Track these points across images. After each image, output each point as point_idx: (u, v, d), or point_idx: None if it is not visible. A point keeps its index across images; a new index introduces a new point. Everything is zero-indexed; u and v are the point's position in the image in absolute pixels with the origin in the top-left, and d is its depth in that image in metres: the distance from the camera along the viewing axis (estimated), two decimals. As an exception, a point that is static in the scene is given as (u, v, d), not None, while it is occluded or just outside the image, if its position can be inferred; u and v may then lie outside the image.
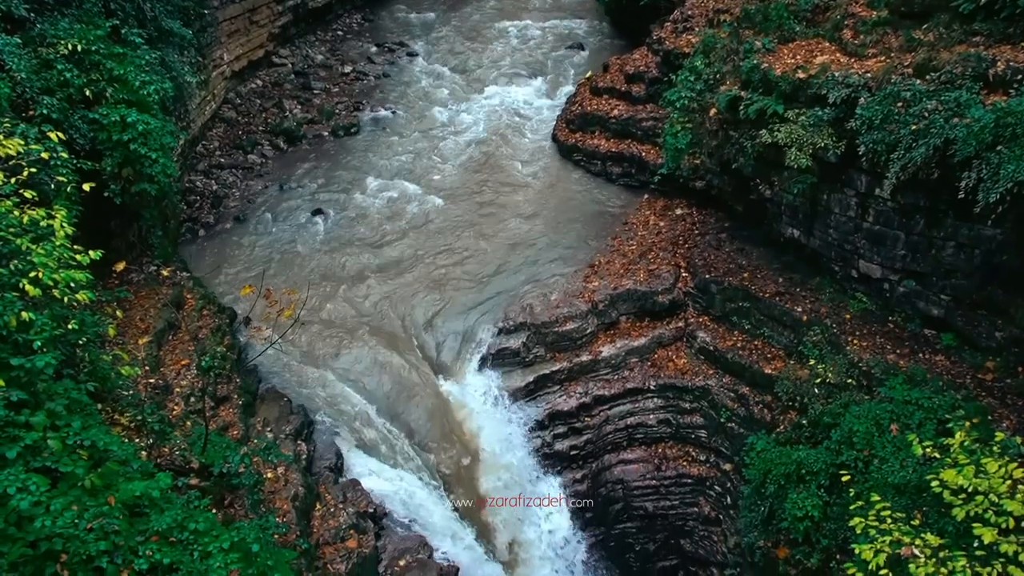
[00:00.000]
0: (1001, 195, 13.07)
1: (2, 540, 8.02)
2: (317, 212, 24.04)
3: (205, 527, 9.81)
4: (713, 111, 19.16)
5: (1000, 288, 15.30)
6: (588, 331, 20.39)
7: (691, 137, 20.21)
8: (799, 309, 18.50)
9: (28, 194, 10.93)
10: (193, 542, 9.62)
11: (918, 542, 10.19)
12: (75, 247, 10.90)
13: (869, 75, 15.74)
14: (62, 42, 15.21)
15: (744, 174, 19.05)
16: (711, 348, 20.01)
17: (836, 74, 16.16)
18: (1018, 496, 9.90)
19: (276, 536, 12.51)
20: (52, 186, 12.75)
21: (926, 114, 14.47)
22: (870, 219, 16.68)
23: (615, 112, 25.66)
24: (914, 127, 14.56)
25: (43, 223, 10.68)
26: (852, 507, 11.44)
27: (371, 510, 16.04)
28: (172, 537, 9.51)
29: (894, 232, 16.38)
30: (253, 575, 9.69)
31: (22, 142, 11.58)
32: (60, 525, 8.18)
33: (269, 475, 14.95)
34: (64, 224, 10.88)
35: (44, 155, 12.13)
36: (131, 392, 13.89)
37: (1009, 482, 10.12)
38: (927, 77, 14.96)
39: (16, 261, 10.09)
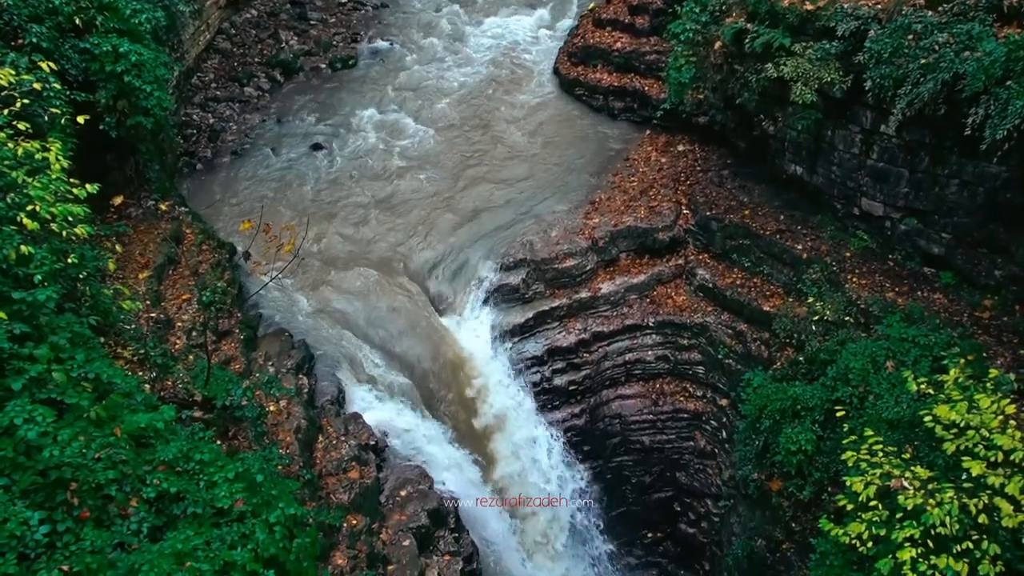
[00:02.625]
0: (1008, 132, 12.90)
1: (12, 468, 8.19)
2: (316, 146, 23.76)
3: (210, 458, 10.01)
4: (718, 44, 18.75)
5: (1002, 226, 15.26)
6: (588, 268, 20.40)
7: (695, 71, 19.83)
8: (799, 247, 18.48)
9: (22, 126, 10.78)
10: (199, 472, 9.83)
11: (908, 475, 10.42)
12: (72, 181, 10.82)
13: (879, 7, 15.35)
14: (48, -33, 14.74)
15: (748, 110, 18.76)
16: (710, 285, 20.06)
17: (845, 6, 15.77)
18: (1008, 431, 10.08)
19: (279, 467, 12.76)
20: (46, 118, 12.56)
21: (936, 47, 14.17)
22: (874, 156, 16.51)
23: (618, 45, 25.10)
24: (923, 61, 14.27)
25: (38, 156, 10.57)
26: (845, 441, 11.65)
27: (372, 442, 16.33)
28: (178, 467, 9.72)
29: (898, 169, 16.24)
30: (258, 504, 9.92)
31: (13, 72, 11.37)
32: (68, 455, 8.35)
33: (271, 408, 15.16)
34: (60, 157, 10.77)
35: (36, 85, 11.92)
36: (133, 326, 13.97)
37: (1001, 417, 10.29)
38: (939, 8, 14.58)
39: (12, 194, 10.03)
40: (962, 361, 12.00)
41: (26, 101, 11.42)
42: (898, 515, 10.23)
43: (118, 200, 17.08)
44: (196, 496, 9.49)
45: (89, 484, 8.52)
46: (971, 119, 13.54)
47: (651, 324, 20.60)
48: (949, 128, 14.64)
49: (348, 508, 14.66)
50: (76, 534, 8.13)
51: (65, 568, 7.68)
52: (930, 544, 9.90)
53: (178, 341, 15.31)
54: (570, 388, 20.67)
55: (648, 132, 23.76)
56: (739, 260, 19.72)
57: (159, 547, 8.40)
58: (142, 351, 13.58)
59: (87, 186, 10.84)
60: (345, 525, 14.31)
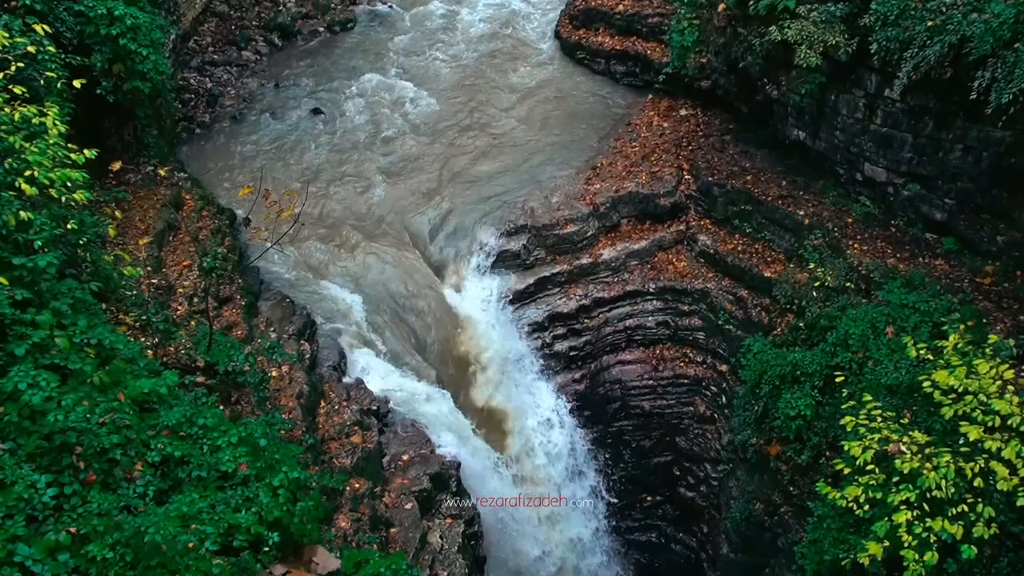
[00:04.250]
0: (1014, 95, 12.78)
1: (18, 433, 8.27)
2: (315, 111, 23.56)
3: (213, 422, 10.10)
4: (722, 7, 18.47)
5: (1005, 192, 15.19)
6: (589, 234, 20.36)
7: (698, 34, 19.58)
8: (801, 212, 18.41)
9: (18, 90, 10.66)
10: (202, 437, 9.92)
11: (905, 439, 10.52)
12: (69, 146, 10.73)
13: (887, -33, 15.07)
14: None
15: (751, 74, 18.55)
16: (711, 251, 20.03)
17: (852, -34, 15.50)
18: (1006, 396, 10.15)
19: (282, 432, 12.87)
20: (41, 82, 12.42)
21: (943, 9, 13.97)
22: (878, 121, 16.36)
23: (620, 7, 24.73)
24: (930, 23, 14.07)
25: (35, 120, 10.46)
26: (844, 407, 11.74)
27: (374, 408, 16.45)
28: (182, 432, 9.81)
29: (901, 134, 16.10)
30: (262, 468, 10.02)
31: (6, 34, 11.21)
32: (73, 419, 8.42)
33: (274, 374, 15.24)
34: (57, 122, 10.66)
35: (31, 48, 11.75)
36: (134, 292, 13.97)
37: (999, 383, 10.35)
38: (947, -30, 14.34)
39: (10, 160, 9.96)
40: (962, 327, 12.04)
41: (21, 65, 11.28)
42: (895, 479, 10.35)
43: (116, 166, 16.97)
44: (200, 460, 9.60)
45: (94, 448, 8.60)
46: (977, 83, 13.39)
47: (652, 290, 20.61)
48: (954, 92, 14.49)
49: (351, 472, 14.81)
50: (83, 497, 8.23)
51: (72, 530, 7.78)
52: (926, 507, 10.04)
53: (180, 307, 15.33)
54: (571, 354, 20.76)
55: (650, 96, 23.52)
56: (741, 226, 19.66)
57: (165, 510, 8.50)
58: (144, 317, 13.59)
59: (85, 151, 10.74)
60: (348, 489, 14.47)
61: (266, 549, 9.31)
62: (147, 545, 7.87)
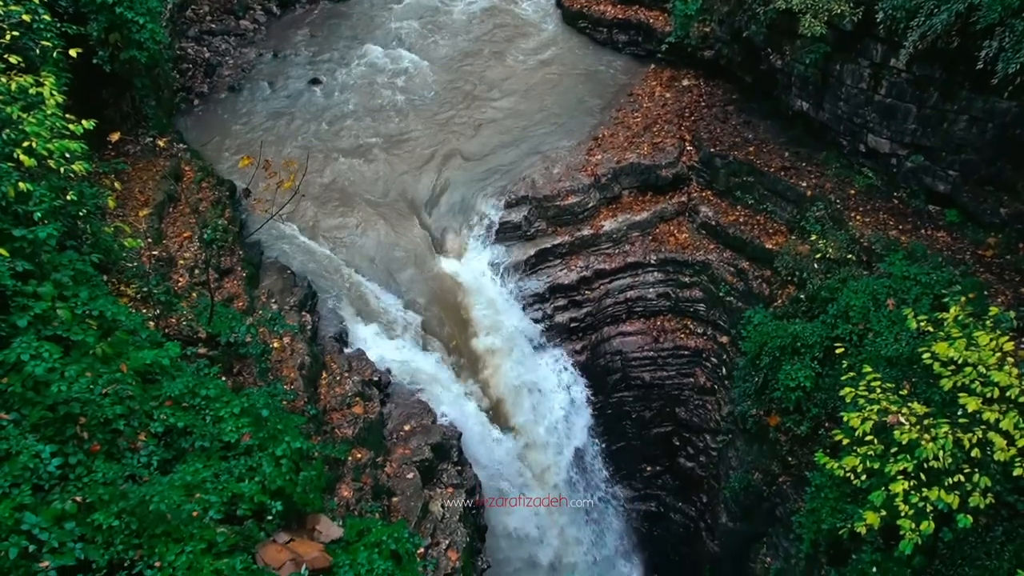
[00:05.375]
0: (1022, 65, 12.64)
1: (22, 404, 8.32)
2: (314, 81, 23.34)
3: (216, 393, 10.15)
4: (726, -26, 18.21)
5: (1010, 163, 15.10)
6: (590, 205, 20.28)
7: (701, 3, 19.35)
8: (804, 184, 18.32)
9: (13, 59, 10.56)
10: (205, 407, 9.99)
11: (904, 411, 10.56)
12: (67, 116, 10.65)
13: (894, -66, 14.83)
14: None
15: (755, 43, 18.34)
16: (713, 223, 19.98)
17: (859, -67, 15.25)
18: (1005, 368, 10.17)
19: (284, 402, 12.93)
20: (37, 51, 12.28)
21: (951, -23, 13.75)
22: (882, 91, 16.21)
23: (623, -25, 24.37)
24: (937, -8, 13.88)
25: (32, 90, 10.39)
26: (844, 378, 11.77)
27: (376, 378, 16.53)
28: (184, 403, 9.87)
29: (906, 105, 15.97)
30: (264, 438, 10.10)
31: (1, 3, 11.07)
32: (76, 390, 8.46)
33: (275, 345, 15.28)
34: (54, 92, 10.59)
35: (25, 17, 11.62)
36: (135, 264, 13.97)
37: (999, 354, 10.37)
38: (956, -64, 14.09)
39: (8, 130, 9.90)
40: (963, 299, 12.02)
41: (16, 34, 11.17)
42: (893, 450, 10.42)
43: (115, 137, 16.85)
44: (203, 431, 9.67)
45: (98, 419, 8.65)
46: (984, 52, 13.25)
47: (653, 262, 20.59)
48: (961, 62, 14.33)
49: (353, 442, 14.93)
50: (88, 467, 8.30)
51: (78, 499, 7.87)
52: (923, 477, 10.11)
53: (181, 279, 15.33)
54: (571, 325, 20.80)
55: (652, 66, 23.28)
56: (742, 197, 19.58)
57: (169, 479, 8.59)
58: (145, 289, 13.60)
59: (83, 122, 10.68)
60: (350, 459, 14.60)
61: (269, 518, 9.42)
62: (152, 514, 7.97)
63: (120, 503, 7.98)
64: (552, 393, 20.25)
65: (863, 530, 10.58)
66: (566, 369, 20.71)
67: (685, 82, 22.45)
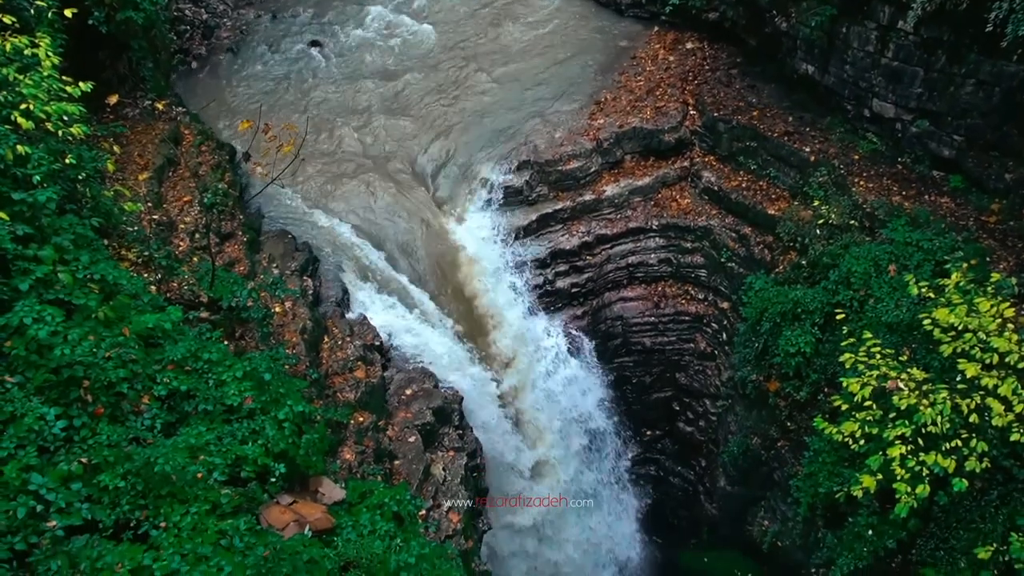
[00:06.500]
0: (1031, 28, 12.46)
1: (26, 366, 8.37)
2: (314, 43, 23.05)
3: (218, 357, 10.20)
4: (733, -67, 17.87)
5: (1016, 128, 14.96)
6: (592, 170, 20.16)
7: (707, -37, 18.99)
8: (807, 149, 18.19)
9: (7, 19, 10.41)
10: (208, 371, 10.05)
11: (903, 376, 10.62)
12: (64, 79, 10.54)
13: None
14: None
15: (760, 5, 18.08)
16: (715, 188, 19.87)
17: None
18: (1006, 334, 10.20)
19: (286, 367, 12.98)
20: (31, 11, 12.11)
21: (962, -63, 13.50)
22: (889, 54, 16.00)
23: (627, -66, 23.90)
24: (947, -49, 13.63)
25: (27, 52, 10.25)
26: (844, 344, 11.81)
27: (377, 343, 16.57)
28: (187, 366, 9.92)
29: (912, 68, 15.78)
30: (267, 401, 10.18)
31: (-5, -38, 10.90)
32: (79, 354, 8.51)
33: (277, 309, 15.30)
34: (50, 53, 10.45)
35: (20, -24, 11.44)
36: (136, 228, 13.92)
37: (999, 321, 10.39)
38: None
39: (5, 92, 9.80)
40: (964, 265, 12.01)
41: (10, -7, 11.01)
42: (891, 415, 10.50)
43: (113, 100, 16.64)
44: (206, 394, 9.74)
45: (101, 382, 8.72)
46: (994, 14, 13.06)
47: (655, 227, 20.53)
48: (969, 24, 14.13)
49: (355, 406, 15.03)
50: (92, 429, 8.39)
51: (84, 460, 7.96)
52: (920, 442, 10.21)
53: (181, 243, 15.30)
54: (573, 291, 20.82)
55: (656, 29, 22.96)
56: (745, 163, 19.44)
57: (173, 442, 8.68)
58: (146, 253, 13.57)
59: (80, 84, 10.57)
60: (352, 422, 14.71)
61: (272, 480, 9.54)
62: (157, 475, 8.07)
63: (126, 465, 8.08)
64: (548, 351, 20.29)
65: (859, 494, 10.71)
66: (566, 335, 20.77)
67: (689, 45, 22.16)
